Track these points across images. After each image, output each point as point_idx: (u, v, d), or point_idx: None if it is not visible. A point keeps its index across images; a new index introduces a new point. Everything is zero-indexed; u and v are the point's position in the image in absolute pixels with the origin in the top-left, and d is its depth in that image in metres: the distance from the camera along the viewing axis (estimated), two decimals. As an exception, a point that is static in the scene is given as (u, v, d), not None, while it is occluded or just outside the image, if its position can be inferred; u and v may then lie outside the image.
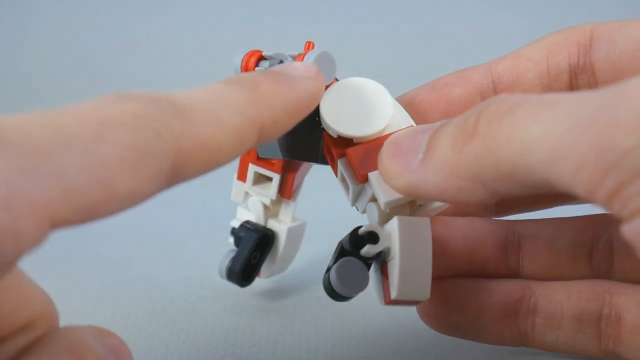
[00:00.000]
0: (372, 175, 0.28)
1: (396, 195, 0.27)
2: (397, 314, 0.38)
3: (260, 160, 0.36)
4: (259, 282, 0.41)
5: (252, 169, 0.36)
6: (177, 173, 0.21)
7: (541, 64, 0.32)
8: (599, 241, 0.32)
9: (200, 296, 0.41)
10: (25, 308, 0.23)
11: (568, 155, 0.21)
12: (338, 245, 0.29)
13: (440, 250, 0.31)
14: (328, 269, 0.29)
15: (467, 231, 0.32)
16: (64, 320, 0.37)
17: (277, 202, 0.38)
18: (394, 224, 0.28)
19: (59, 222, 0.19)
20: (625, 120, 0.20)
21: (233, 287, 0.38)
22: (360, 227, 0.28)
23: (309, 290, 0.42)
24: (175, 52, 0.78)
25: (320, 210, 0.48)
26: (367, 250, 0.28)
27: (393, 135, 0.28)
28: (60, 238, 0.23)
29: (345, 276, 0.28)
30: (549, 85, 0.32)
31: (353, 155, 0.29)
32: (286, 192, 0.37)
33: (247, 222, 0.38)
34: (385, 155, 0.27)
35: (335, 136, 0.29)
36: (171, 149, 0.21)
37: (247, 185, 0.37)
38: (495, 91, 0.32)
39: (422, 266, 0.28)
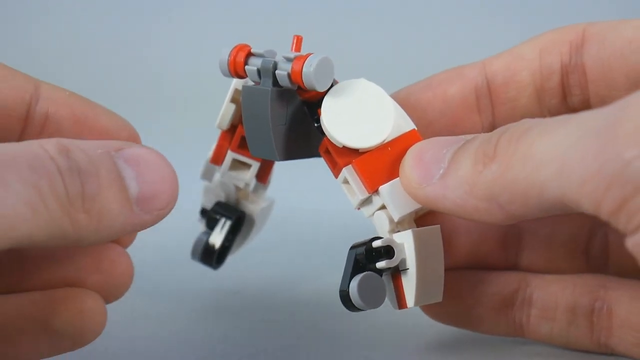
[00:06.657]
0: (383, 189, 0.28)
1: (408, 210, 0.28)
2: (397, 314, 0.37)
3: (241, 149, 0.35)
4: (260, 282, 0.41)
5: (232, 156, 0.35)
6: None
7: (534, 63, 0.32)
8: (595, 236, 0.32)
9: (200, 296, 0.41)
10: None
11: (575, 167, 0.21)
12: (350, 254, 0.29)
13: (444, 243, 0.31)
14: (344, 280, 0.29)
15: (470, 224, 0.32)
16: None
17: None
18: (408, 237, 0.28)
19: None
20: (627, 132, 0.20)
21: (232, 287, 0.38)
22: (374, 239, 0.29)
23: (309, 290, 0.41)
24: (167, 51, 0.78)
25: (321, 212, 0.48)
26: (384, 265, 0.28)
27: (417, 144, 0.28)
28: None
29: (367, 291, 0.28)
30: (541, 84, 0.32)
31: (361, 168, 0.29)
32: (264, 177, 0.37)
33: (219, 203, 0.38)
34: (407, 164, 0.28)
35: (340, 146, 0.29)
36: None
37: (223, 169, 0.36)
38: (489, 89, 0.32)
39: (435, 274, 0.29)
